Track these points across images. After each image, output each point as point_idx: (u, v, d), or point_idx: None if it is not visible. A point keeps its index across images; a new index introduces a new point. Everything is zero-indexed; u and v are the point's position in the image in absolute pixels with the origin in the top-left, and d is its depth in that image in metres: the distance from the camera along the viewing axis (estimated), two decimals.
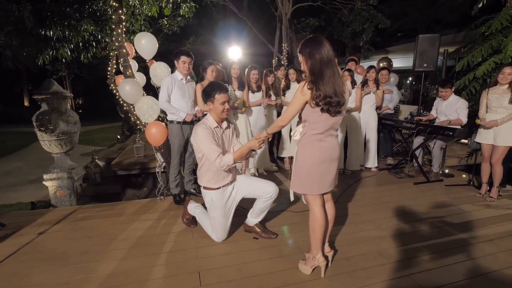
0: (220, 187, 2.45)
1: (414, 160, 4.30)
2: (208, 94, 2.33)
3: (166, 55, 3.28)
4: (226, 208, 2.52)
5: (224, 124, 2.47)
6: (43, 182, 4.27)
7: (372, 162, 4.57)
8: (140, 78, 4.07)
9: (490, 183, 3.52)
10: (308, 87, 1.77)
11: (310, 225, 2.04)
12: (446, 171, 4.46)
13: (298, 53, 1.85)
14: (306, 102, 1.84)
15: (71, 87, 24.47)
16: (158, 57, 4.02)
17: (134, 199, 5.50)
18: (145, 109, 3.58)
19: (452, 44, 8.21)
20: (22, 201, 5.19)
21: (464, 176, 4.39)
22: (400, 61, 11.03)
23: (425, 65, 5.12)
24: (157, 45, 3.61)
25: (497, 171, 3.39)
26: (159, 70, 3.72)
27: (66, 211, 3.44)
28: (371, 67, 4.42)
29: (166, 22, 8.63)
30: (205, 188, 2.47)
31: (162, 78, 3.78)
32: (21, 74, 21.67)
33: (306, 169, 1.96)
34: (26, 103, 22.47)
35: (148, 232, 2.81)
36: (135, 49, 3.86)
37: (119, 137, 10.37)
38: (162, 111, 3.75)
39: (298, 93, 1.83)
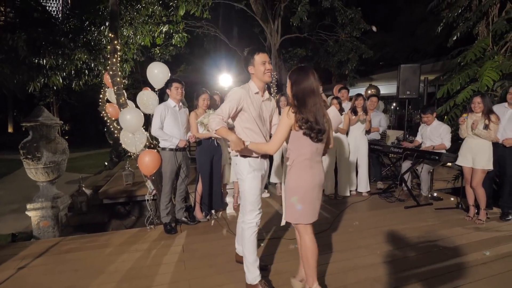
0: (258, 157, 2.18)
1: (403, 184, 4.38)
2: (247, 59, 2.15)
3: None
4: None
5: (266, 95, 2.26)
6: (26, 212, 4.09)
7: (364, 186, 4.63)
8: (130, 106, 4.09)
9: (477, 206, 3.60)
10: (292, 110, 1.88)
11: (303, 255, 2.02)
12: (435, 194, 4.55)
13: (288, 78, 1.99)
14: (291, 127, 1.92)
15: (58, 113, 24.22)
16: (148, 83, 4.09)
17: (121, 228, 5.32)
18: (130, 139, 3.59)
19: (431, 73, 8.70)
20: (1, 232, 4.92)
21: (452, 199, 4.48)
22: (384, 88, 11.52)
23: (408, 92, 5.38)
24: (169, 75, 3.72)
25: (480, 194, 3.49)
26: (146, 97, 3.76)
27: (50, 243, 3.28)
28: (358, 95, 4.61)
29: (158, 51, 8.84)
30: (242, 156, 2.16)
31: (149, 105, 3.82)
32: (6, 100, 21.38)
33: (300, 196, 1.96)
34: (10, 130, 21.94)
35: (138, 264, 2.70)
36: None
37: (106, 163, 10.16)
38: (154, 138, 3.75)
39: (284, 116, 1.90)
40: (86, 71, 5.84)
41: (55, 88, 5.60)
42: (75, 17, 5.83)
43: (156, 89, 3.72)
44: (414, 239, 3.09)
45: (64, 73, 5.24)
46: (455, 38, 5.03)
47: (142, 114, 3.58)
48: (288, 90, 1.98)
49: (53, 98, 22.36)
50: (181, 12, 4.14)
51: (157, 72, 3.64)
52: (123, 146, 3.75)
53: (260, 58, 2.10)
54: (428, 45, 11.74)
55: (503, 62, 4.19)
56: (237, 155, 2.19)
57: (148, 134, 3.97)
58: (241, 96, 2.09)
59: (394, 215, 3.80)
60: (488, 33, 4.60)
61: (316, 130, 1.85)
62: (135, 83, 12.67)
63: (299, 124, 1.86)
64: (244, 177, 2.16)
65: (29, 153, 4.14)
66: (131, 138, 3.56)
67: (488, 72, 4.14)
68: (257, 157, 2.16)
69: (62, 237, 3.66)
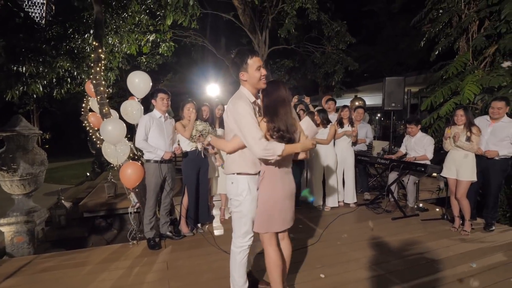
0: (256, 173, 2.02)
1: (390, 195, 4.41)
2: (238, 64, 1.91)
3: None
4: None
5: (259, 101, 2.03)
6: None
7: (351, 198, 4.63)
8: (114, 115, 3.97)
9: (462, 216, 3.65)
10: (265, 120, 1.90)
11: (267, 268, 2.03)
12: (421, 205, 4.60)
13: (260, 91, 1.99)
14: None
15: (38, 121, 23.41)
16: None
17: (102, 243, 5.09)
18: (112, 150, 3.46)
19: (414, 85, 8.98)
20: None
21: (437, 210, 4.53)
22: (369, 99, 11.80)
23: (393, 104, 5.49)
24: (151, 84, 3.59)
25: (464, 205, 3.53)
26: (130, 107, 3.64)
27: (23, 261, 3.08)
28: (344, 106, 4.66)
29: (144, 60, 8.73)
30: (239, 174, 1.99)
31: (132, 115, 3.71)
32: None
33: (269, 206, 1.97)
34: None
35: (119, 283, 2.55)
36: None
37: (88, 174, 9.81)
38: (139, 150, 3.63)
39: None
40: (69, 79, 5.65)
41: (34, 96, 5.37)
42: (59, 24, 5.67)
43: (138, 99, 3.61)
44: (403, 251, 3.08)
45: (45, 81, 5.04)
46: (436, 52, 5.20)
47: (125, 125, 3.46)
48: (261, 103, 1.99)
49: (34, 105, 21.66)
50: (169, 22, 4.09)
51: (138, 82, 3.52)
52: (105, 157, 3.61)
53: (254, 62, 1.89)
54: (411, 58, 12.16)
55: (482, 76, 4.34)
56: (233, 174, 2.01)
57: (132, 145, 3.84)
58: (251, 109, 1.88)
59: (382, 226, 3.79)
60: (468, 48, 4.78)
61: (286, 138, 1.87)
62: (120, 91, 12.45)
63: (271, 133, 1.87)
64: (243, 198, 1.98)
65: (4, 164, 3.93)
66: (113, 150, 3.43)
67: (469, 86, 4.28)
68: (255, 174, 2.02)
69: (37, 255, 3.45)
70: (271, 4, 8.08)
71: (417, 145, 4.23)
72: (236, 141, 1.95)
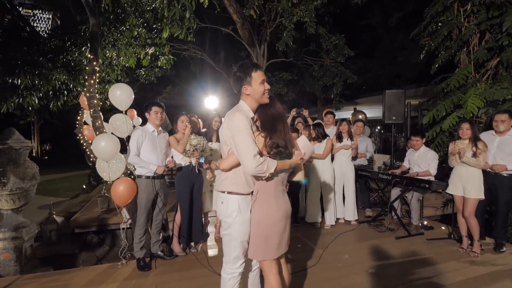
0: (249, 194, 1.90)
1: (393, 213, 4.23)
2: (241, 77, 1.83)
3: (142, 103, 3.16)
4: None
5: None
6: None
7: (352, 214, 4.44)
8: (107, 129, 3.84)
9: (470, 236, 3.46)
10: (262, 135, 1.84)
11: None
12: (425, 223, 4.41)
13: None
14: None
15: (39, 132, 23.39)
16: (134, 105, 3.87)
17: (92, 260, 4.89)
18: (105, 166, 3.31)
19: (414, 98, 8.92)
20: None
21: (443, 228, 4.34)
22: (368, 112, 11.71)
23: (393, 117, 5.38)
24: (133, 96, 3.47)
25: (473, 225, 3.35)
26: (119, 121, 3.49)
27: (4, 283, 2.90)
28: (343, 120, 4.56)
29: (143, 73, 8.71)
30: (230, 193, 1.88)
31: (121, 129, 3.58)
32: None
33: (264, 228, 1.84)
34: None
35: None
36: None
37: (84, 187, 9.64)
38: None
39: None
40: (65, 92, 5.58)
41: (30, 108, 5.29)
42: (57, 37, 5.65)
43: (123, 111, 3.48)
44: (408, 275, 2.88)
45: (41, 94, 4.96)
46: (437, 65, 5.13)
47: (118, 140, 3.32)
48: (257, 119, 1.93)
49: (35, 117, 21.69)
50: (165, 35, 4.04)
51: (120, 94, 3.40)
52: (98, 172, 3.47)
53: (259, 76, 1.82)
54: (409, 71, 12.16)
55: (485, 89, 4.25)
56: (224, 192, 1.89)
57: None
58: (248, 123, 1.78)
59: (385, 247, 3.60)
60: (469, 61, 4.70)
61: (284, 154, 1.82)
62: None
63: (268, 149, 1.81)
64: (232, 220, 1.85)
65: None
66: (105, 166, 3.29)
67: (472, 99, 4.17)
68: (248, 194, 1.88)
69: (20, 275, 3.26)
70: (270, 18, 8.12)
71: (421, 160, 4.09)
72: (232, 158, 1.84)
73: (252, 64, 1.87)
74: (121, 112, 3.51)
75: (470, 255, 3.33)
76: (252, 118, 1.89)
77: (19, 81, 4.72)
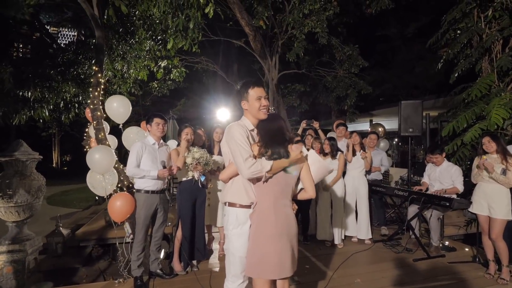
0: (249, 205, 1.85)
1: (411, 232, 3.90)
2: (241, 93, 1.95)
3: None
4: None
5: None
6: None
7: (365, 233, 4.14)
8: (112, 141, 3.80)
9: (498, 260, 3.11)
10: (258, 144, 1.84)
11: None
12: (446, 243, 4.04)
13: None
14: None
15: (59, 144, 24.23)
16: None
17: (95, 274, 4.80)
18: (98, 181, 3.24)
19: (432, 109, 8.53)
20: None
21: (467, 250, 3.96)
22: (385, 124, 11.34)
23: (410, 130, 5.09)
24: (130, 108, 3.41)
25: (501, 248, 3.01)
26: (132, 134, 3.44)
27: None
28: (351, 132, 4.38)
29: (156, 85, 8.83)
30: (230, 204, 1.87)
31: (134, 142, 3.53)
32: (9, 130, 21.46)
33: (260, 243, 1.71)
34: None
35: None
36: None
37: (97, 198, 9.72)
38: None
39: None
40: (76, 104, 5.67)
41: (40, 120, 5.39)
42: (71, 51, 5.81)
43: (120, 125, 3.42)
44: None
45: (50, 106, 5.05)
46: (456, 74, 4.84)
47: (113, 153, 3.25)
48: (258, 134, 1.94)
49: (56, 129, 22.52)
50: (169, 46, 4.03)
51: (117, 106, 3.35)
52: (90, 189, 3.39)
53: (255, 92, 1.89)
54: (428, 81, 11.75)
55: (511, 99, 3.92)
56: (225, 203, 1.90)
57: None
58: (243, 132, 1.83)
59: (402, 270, 3.29)
60: (492, 69, 4.39)
61: (276, 154, 1.76)
62: (135, 115, 12.67)
63: (262, 152, 1.78)
64: (229, 233, 1.84)
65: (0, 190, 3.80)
66: (99, 180, 3.20)
67: (496, 110, 3.85)
68: (247, 206, 1.84)
69: None
70: (281, 30, 8.09)
71: (443, 176, 3.78)
72: (230, 168, 1.85)
73: (252, 81, 1.96)
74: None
75: (498, 282, 2.98)
76: (252, 130, 1.93)
77: (29, 93, 4.84)
